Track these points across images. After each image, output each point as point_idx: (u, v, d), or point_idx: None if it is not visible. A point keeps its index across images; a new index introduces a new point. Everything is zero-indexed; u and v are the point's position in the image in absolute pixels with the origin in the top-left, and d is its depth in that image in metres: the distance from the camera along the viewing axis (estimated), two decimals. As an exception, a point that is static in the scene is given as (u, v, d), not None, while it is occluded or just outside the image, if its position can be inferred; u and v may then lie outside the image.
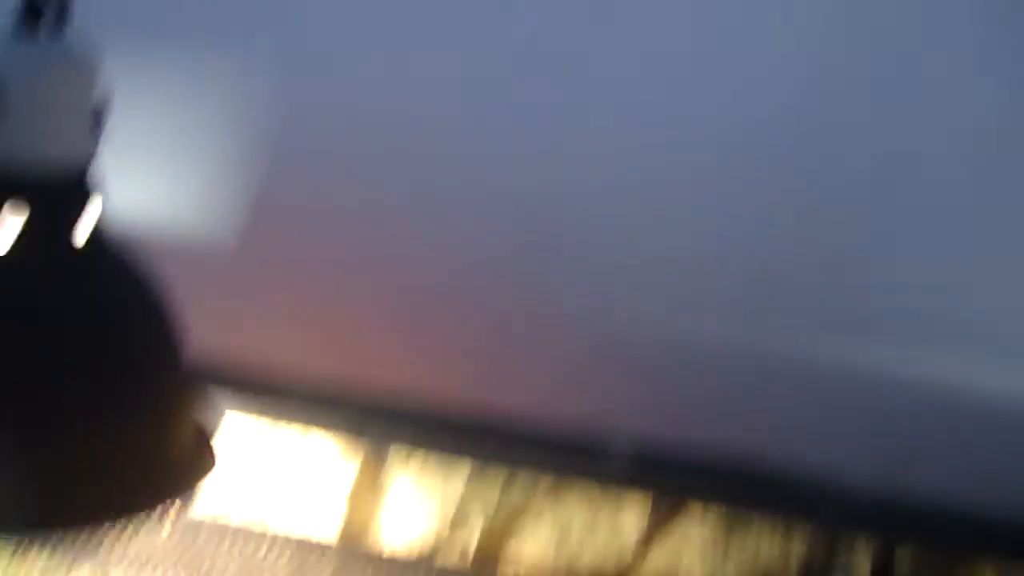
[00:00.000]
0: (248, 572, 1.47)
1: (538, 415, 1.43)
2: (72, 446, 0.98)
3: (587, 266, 1.46)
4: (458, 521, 1.48)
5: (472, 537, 1.48)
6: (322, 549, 1.44)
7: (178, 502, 1.50)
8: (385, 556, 1.45)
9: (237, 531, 1.47)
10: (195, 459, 1.10)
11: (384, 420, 1.44)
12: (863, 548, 1.48)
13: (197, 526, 1.48)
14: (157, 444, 1.05)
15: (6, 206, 0.96)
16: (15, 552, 1.56)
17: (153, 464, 1.05)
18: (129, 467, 1.02)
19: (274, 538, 1.46)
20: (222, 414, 1.14)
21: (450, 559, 1.48)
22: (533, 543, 1.48)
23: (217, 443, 1.11)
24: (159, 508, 1.04)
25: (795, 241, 1.44)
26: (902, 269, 1.43)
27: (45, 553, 1.55)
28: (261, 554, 1.45)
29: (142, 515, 1.04)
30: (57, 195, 0.99)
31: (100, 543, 1.52)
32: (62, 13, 0.96)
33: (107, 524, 1.04)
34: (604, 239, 1.46)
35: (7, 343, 0.96)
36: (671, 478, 1.44)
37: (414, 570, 1.44)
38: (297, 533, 1.47)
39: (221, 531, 1.48)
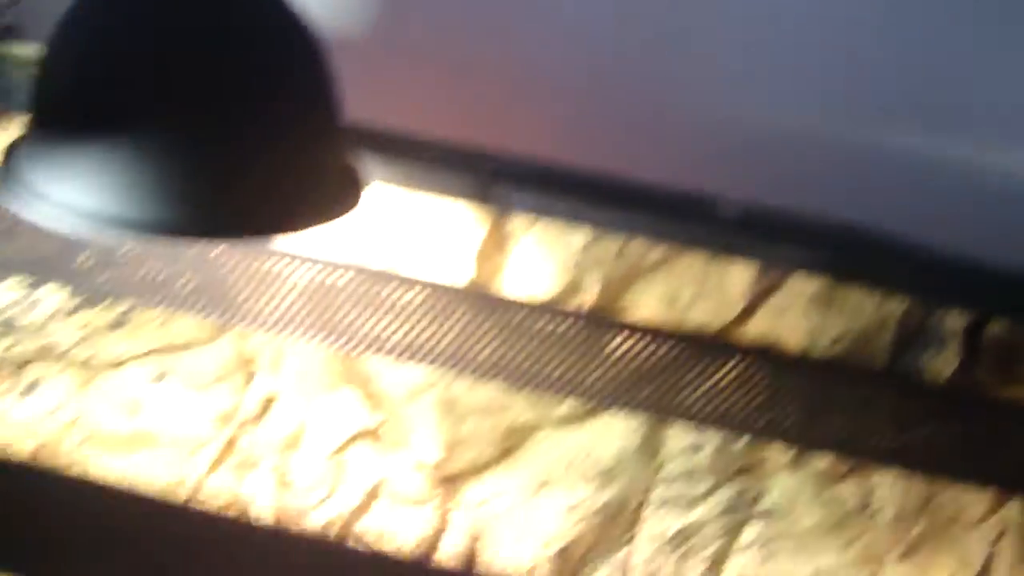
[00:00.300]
0: (383, 316, 1.60)
1: (653, 181, 1.52)
2: (236, 162, 1.09)
3: (706, 49, 1.53)
4: (576, 282, 1.59)
5: (589, 297, 1.60)
6: (455, 293, 1.56)
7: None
8: (512, 300, 1.56)
9: (375, 277, 1.59)
10: (343, 195, 1.21)
11: (509, 186, 1.55)
12: (956, 315, 1.57)
13: (333, 275, 1.61)
14: (311, 172, 1.17)
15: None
16: (177, 309, 1.70)
17: (307, 189, 1.17)
18: (286, 187, 1.14)
19: (410, 282, 1.58)
20: (366, 175, 1.25)
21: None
22: (646, 304, 1.59)
23: (362, 188, 1.22)
24: (305, 232, 1.16)
25: (891, 38, 1.50)
26: (984, 64, 1.49)
27: (195, 312, 1.69)
28: (396, 296, 1.58)
29: (292, 233, 1.16)
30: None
31: (244, 304, 1.66)
32: None
33: (264, 236, 1.16)
34: (720, 33, 1.53)
35: (187, 65, 1.07)
36: (776, 243, 1.53)
37: (538, 315, 1.56)
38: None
39: (357, 280, 1.60)
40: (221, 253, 1.63)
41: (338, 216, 1.20)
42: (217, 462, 1.81)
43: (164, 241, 1.12)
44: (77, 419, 1.87)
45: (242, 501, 1.83)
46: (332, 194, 1.21)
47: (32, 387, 1.85)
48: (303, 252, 1.61)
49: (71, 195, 1.10)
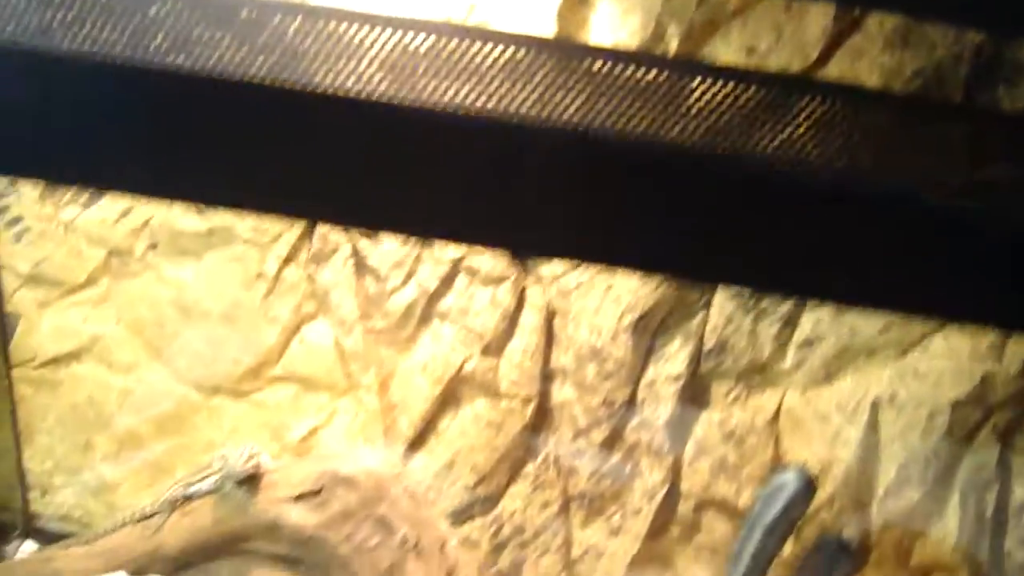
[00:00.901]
0: (462, 73, 1.61)
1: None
2: None
3: None
4: (658, 34, 1.61)
5: (670, 49, 1.61)
6: (539, 44, 1.57)
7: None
8: (597, 47, 1.58)
9: (453, 37, 1.60)
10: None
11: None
12: (1030, 45, 1.60)
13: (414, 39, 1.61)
14: None
15: None
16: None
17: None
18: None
19: (492, 38, 1.59)
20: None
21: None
22: (725, 54, 1.61)
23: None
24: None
25: None
26: None
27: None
28: (477, 56, 1.59)
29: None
30: None
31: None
32: None
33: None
34: None
35: None
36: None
37: (625, 62, 1.57)
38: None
39: (436, 42, 1.61)
40: (297, 26, 1.64)
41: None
42: (293, 253, 1.83)
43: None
44: (149, 220, 1.88)
45: (320, 290, 1.85)
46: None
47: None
48: (380, 16, 1.62)
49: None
